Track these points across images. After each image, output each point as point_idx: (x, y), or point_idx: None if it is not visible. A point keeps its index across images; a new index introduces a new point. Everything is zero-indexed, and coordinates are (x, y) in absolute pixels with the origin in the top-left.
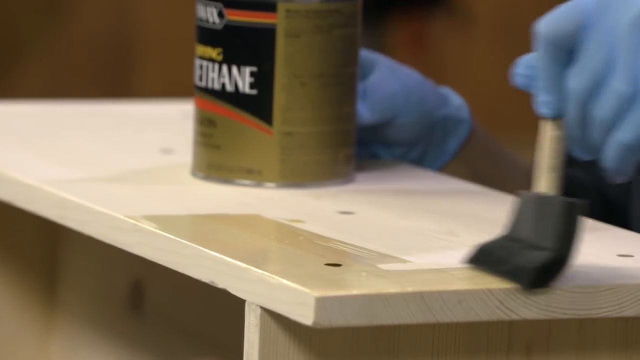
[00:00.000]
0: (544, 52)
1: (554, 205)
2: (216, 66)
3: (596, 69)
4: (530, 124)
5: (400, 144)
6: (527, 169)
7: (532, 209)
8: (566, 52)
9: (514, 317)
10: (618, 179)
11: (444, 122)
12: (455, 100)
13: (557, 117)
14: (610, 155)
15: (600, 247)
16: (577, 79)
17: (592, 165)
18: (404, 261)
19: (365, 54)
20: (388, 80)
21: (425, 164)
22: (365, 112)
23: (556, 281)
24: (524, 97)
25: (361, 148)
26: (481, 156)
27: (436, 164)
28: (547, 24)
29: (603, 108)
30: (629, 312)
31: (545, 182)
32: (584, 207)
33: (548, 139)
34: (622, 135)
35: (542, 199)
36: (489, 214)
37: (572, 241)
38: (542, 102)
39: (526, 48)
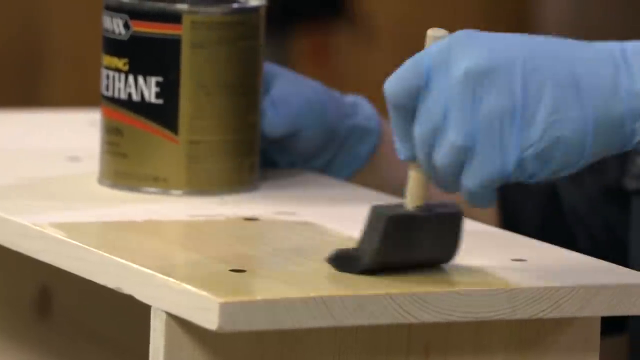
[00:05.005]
0: (392, 110)
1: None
2: (122, 76)
3: (434, 121)
4: None
5: (300, 155)
6: None
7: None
8: (410, 109)
9: (413, 320)
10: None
11: (351, 132)
12: (366, 111)
13: (412, 160)
14: (465, 196)
15: (494, 252)
16: (418, 129)
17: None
18: (307, 266)
19: (266, 67)
20: (290, 93)
21: (333, 173)
22: (267, 126)
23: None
24: None
25: (261, 156)
26: (392, 166)
27: (345, 172)
28: (390, 86)
29: (442, 157)
30: (523, 314)
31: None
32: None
33: (410, 178)
34: (466, 182)
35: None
36: None
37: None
38: (398, 149)
39: None
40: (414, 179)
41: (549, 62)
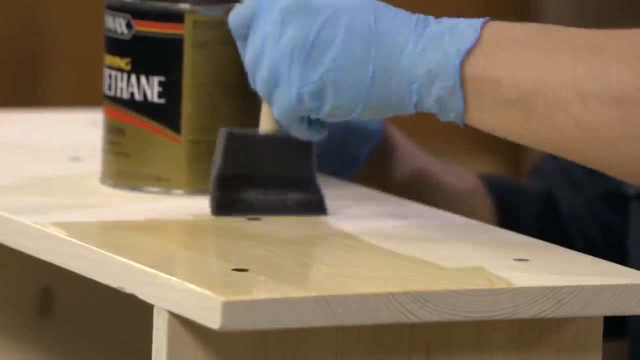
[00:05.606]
0: (236, 41)
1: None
2: (125, 76)
3: (255, 51)
4: (429, 134)
5: None
6: (448, 187)
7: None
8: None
9: (415, 319)
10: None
11: (351, 132)
12: None
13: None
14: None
15: (497, 251)
16: (246, 60)
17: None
18: (310, 266)
19: None
20: None
21: (335, 172)
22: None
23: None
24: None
25: None
26: (393, 166)
27: (347, 171)
28: (230, 16)
29: (259, 89)
30: (525, 314)
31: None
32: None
33: (262, 107)
34: (275, 111)
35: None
36: (393, 221)
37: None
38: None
39: None
40: (263, 108)
41: (356, 14)
